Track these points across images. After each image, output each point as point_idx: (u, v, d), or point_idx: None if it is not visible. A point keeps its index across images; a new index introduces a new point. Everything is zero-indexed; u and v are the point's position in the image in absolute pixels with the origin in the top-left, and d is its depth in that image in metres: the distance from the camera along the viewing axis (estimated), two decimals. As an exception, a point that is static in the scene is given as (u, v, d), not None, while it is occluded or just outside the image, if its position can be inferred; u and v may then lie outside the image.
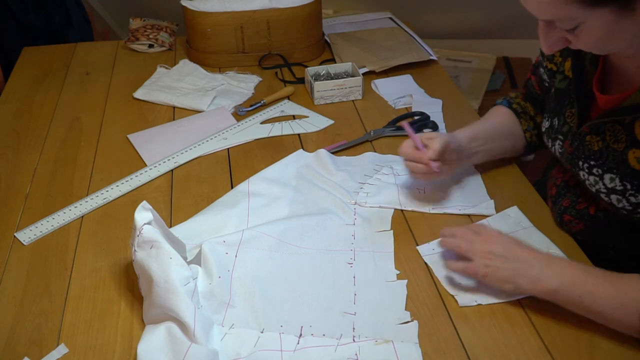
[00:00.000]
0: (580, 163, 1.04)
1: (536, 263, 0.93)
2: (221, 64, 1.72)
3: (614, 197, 0.99)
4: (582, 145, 1.04)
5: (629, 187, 0.97)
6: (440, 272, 1.04)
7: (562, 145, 1.10)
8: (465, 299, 0.99)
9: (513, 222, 1.13)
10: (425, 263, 1.06)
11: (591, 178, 1.02)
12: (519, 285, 0.94)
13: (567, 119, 1.09)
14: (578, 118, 1.05)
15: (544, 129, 1.16)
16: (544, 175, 1.32)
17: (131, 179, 1.29)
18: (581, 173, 1.04)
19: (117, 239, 1.14)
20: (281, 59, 1.72)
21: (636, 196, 0.96)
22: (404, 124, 1.19)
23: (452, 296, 1.00)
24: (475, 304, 0.98)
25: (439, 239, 1.08)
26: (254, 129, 1.45)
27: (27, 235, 1.15)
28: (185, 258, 1.02)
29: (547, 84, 1.20)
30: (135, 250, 0.96)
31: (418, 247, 1.09)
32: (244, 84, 1.63)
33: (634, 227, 1.03)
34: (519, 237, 1.10)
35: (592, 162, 1.02)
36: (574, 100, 1.07)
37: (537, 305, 0.97)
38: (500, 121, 1.27)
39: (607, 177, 0.99)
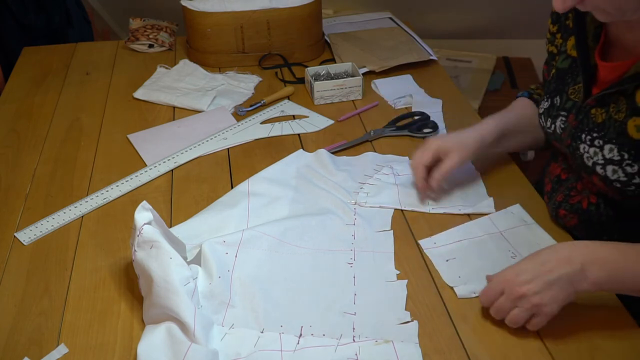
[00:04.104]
0: (583, 136, 1.05)
1: (575, 261, 0.90)
2: (221, 64, 1.72)
3: (609, 168, 1.00)
4: (586, 118, 1.05)
5: (626, 156, 0.98)
6: (439, 264, 1.05)
7: (565, 121, 1.10)
8: (464, 290, 1.00)
9: (516, 218, 1.13)
10: (426, 263, 1.06)
11: (591, 150, 1.03)
12: (582, 290, 0.90)
13: (569, 96, 1.10)
14: (584, 92, 1.06)
15: (542, 110, 1.17)
16: (544, 174, 1.32)
17: (131, 179, 1.29)
18: (582, 146, 1.05)
19: (117, 239, 1.14)
20: (281, 59, 1.72)
21: (632, 166, 0.97)
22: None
23: (452, 296, 1.00)
24: (473, 295, 0.99)
25: (439, 234, 1.12)
26: (254, 129, 1.45)
27: (27, 235, 1.15)
28: (185, 258, 1.02)
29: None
30: (135, 250, 0.96)
31: (420, 241, 1.10)
32: (244, 84, 1.63)
33: (625, 219, 1.04)
34: (521, 233, 1.11)
35: (594, 134, 1.03)
36: (577, 76, 1.08)
37: (537, 305, 0.97)
38: (522, 114, 1.25)
39: (607, 147, 1.00)
